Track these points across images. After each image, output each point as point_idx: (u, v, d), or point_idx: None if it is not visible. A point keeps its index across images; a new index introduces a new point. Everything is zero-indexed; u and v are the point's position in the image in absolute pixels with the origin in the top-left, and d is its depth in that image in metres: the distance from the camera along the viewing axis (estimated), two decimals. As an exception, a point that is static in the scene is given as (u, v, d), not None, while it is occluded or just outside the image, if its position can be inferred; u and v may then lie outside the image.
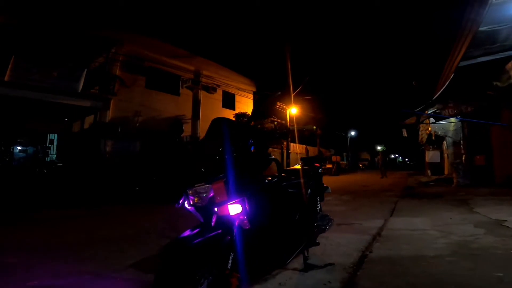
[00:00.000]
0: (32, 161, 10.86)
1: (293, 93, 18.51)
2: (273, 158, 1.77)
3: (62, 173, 10.13)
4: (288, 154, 19.18)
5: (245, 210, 1.47)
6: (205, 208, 1.49)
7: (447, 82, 8.10)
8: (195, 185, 1.47)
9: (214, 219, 1.51)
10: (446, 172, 15.08)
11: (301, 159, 2.87)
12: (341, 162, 28.29)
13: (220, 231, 1.43)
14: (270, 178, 1.79)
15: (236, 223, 1.49)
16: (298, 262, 2.37)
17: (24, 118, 11.39)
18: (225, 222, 1.48)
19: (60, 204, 6.53)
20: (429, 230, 3.58)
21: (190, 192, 1.48)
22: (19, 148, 11.17)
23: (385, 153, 22.96)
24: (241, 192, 1.46)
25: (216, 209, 1.46)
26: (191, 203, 1.48)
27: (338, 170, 22.44)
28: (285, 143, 18.76)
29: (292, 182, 2.25)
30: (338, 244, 3.14)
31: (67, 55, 10.48)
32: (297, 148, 21.87)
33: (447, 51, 8.53)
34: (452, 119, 10.81)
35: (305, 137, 25.01)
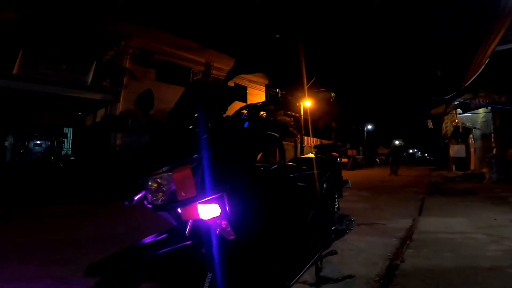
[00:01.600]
0: (48, 154, 10.89)
1: (306, 86, 17.86)
2: (272, 135, 1.26)
3: (74, 167, 10.08)
4: (302, 147, 18.55)
5: (225, 212, 0.97)
6: (172, 207, 1.02)
7: (481, 69, 7.39)
8: (152, 173, 0.99)
9: (189, 224, 1.03)
10: (472, 167, 14.10)
11: (315, 146, 2.33)
12: (357, 157, 27.49)
13: (189, 242, 0.96)
14: (267, 165, 1.29)
15: (217, 231, 1.01)
16: (308, 273, 1.87)
17: (39, 113, 11.42)
18: (199, 230, 1.01)
19: (68, 199, 6.27)
20: (473, 233, 2.97)
21: (151, 184, 1.00)
22: (37, 142, 11.21)
23: (400, 147, 21.59)
24: (218, 185, 0.97)
25: (179, 210, 0.98)
26: (149, 200, 1.00)
27: (354, 165, 21.77)
28: (298, 136, 18.11)
29: (303, 173, 1.74)
30: (358, 249, 2.62)
31: (76, 48, 10.38)
32: (311, 142, 21.18)
33: (480, 36, 7.78)
34: (481, 110, 10.01)
35: (320, 131, 24.26)
